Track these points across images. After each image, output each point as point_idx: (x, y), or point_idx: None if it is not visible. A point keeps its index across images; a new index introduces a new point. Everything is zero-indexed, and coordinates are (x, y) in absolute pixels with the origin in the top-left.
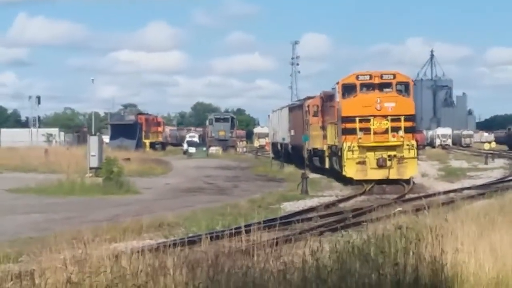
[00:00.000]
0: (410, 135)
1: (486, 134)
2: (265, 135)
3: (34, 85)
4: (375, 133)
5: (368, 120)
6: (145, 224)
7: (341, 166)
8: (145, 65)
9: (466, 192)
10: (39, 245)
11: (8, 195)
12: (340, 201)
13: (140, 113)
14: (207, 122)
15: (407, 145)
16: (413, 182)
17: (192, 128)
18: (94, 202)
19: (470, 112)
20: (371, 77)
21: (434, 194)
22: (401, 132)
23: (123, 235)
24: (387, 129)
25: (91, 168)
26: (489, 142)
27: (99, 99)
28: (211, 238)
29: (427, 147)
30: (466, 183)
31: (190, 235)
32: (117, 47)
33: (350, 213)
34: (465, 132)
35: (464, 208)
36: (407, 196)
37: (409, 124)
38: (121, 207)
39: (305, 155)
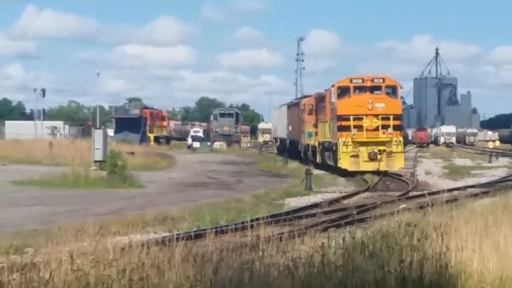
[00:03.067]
0: (398, 132)
1: (490, 132)
2: (269, 131)
3: (40, 78)
4: (367, 130)
5: (361, 119)
6: (149, 218)
7: (335, 160)
8: (152, 60)
9: (470, 190)
10: (43, 237)
11: (12, 187)
12: (344, 197)
13: (145, 107)
14: (211, 117)
15: (395, 141)
16: (417, 180)
17: (197, 123)
18: (98, 195)
19: (474, 111)
20: (363, 80)
21: (438, 192)
22: (390, 130)
23: (127, 228)
24: (377, 126)
25: (95, 161)
26: (493, 141)
27: (104, 92)
28: (215, 232)
29: (431, 145)
30: (470, 181)
31: (194, 229)
32: (125, 41)
33: (354, 209)
34: (469, 131)
35: (468, 206)
36: (411, 194)
37: (397, 122)
38: (125, 201)
39: (300, 149)
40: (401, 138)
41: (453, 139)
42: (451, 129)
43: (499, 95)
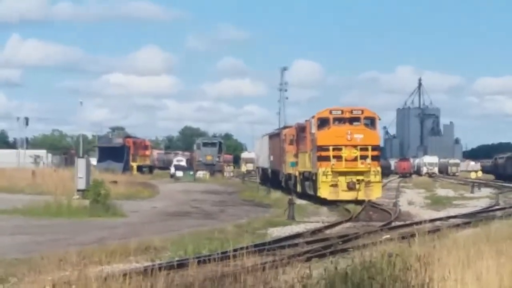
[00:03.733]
0: (376, 162)
1: (472, 163)
2: (252, 160)
3: (23, 106)
4: (346, 160)
5: (340, 149)
6: (132, 248)
7: (315, 189)
8: (136, 89)
9: (452, 220)
10: (25, 266)
11: None
12: (326, 227)
13: (128, 136)
14: (194, 147)
15: (373, 171)
16: (400, 210)
17: (180, 152)
18: (81, 225)
19: (457, 141)
20: (342, 112)
21: (421, 222)
22: (368, 160)
23: (110, 258)
24: (356, 157)
25: (78, 190)
26: (476, 171)
27: (88, 121)
28: (198, 262)
29: (414, 175)
30: (452, 211)
31: (177, 258)
32: (109, 70)
33: (337, 239)
34: (451, 161)
35: (450, 237)
36: (393, 224)
37: (375, 153)
38: (108, 230)
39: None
40: (379, 168)
41: (436, 170)
42: (434, 159)
43: (481, 125)
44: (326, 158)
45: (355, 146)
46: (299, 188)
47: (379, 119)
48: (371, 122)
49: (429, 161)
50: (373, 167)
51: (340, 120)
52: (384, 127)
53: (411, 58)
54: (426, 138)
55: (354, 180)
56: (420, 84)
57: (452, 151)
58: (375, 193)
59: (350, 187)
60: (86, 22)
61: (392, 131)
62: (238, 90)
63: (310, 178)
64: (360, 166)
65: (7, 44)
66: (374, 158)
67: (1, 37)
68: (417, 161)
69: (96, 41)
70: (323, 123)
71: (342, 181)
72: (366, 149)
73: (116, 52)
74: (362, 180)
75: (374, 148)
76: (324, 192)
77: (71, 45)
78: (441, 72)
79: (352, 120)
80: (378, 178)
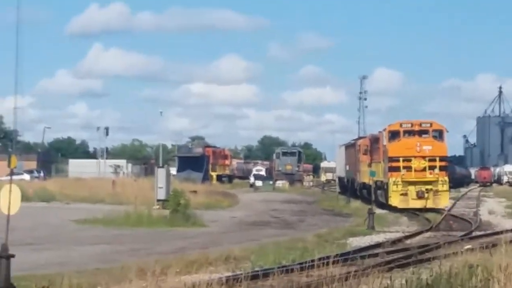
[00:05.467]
0: (443, 172)
1: None
2: (332, 170)
3: (104, 116)
4: (415, 170)
5: (410, 160)
6: (212, 257)
7: (387, 197)
8: (216, 98)
9: None
10: (106, 276)
11: (76, 226)
12: (406, 237)
13: (208, 146)
14: (274, 156)
15: (441, 180)
16: (480, 219)
17: (259, 162)
18: (161, 234)
19: None
20: (412, 125)
21: (502, 232)
22: (437, 170)
23: (190, 267)
24: (425, 167)
25: (158, 200)
26: None
27: (168, 131)
28: (281, 271)
29: (494, 184)
30: None
31: (257, 269)
32: (190, 80)
33: (418, 249)
34: None
35: None
36: (474, 233)
37: (443, 163)
38: (187, 240)
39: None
40: (446, 178)
41: None
42: None
43: None
44: (397, 169)
45: (423, 157)
46: (373, 196)
47: (447, 131)
48: (439, 134)
49: (510, 169)
50: (440, 177)
51: (410, 133)
52: (464, 136)
53: (492, 66)
54: (506, 146)
55: (423, 189)
56: (500, 92)
57: None
58: (443, 202)
59: (419, 196)
60: (167, 31)
61: (472, 139)
62: (319, 99)
63: (382, 187)
64: (429, 176)
65: (89, 54)
66: (442, 168)
67: (84, 47)
68: (497, 169)
69: (177, 50)
70: (393, 135)
71: (412, 190)
72: (434, 160)
73: (197, 61)
74: (431, 189)
75: (442, 159)
76: (395, 200)
77: (152, 54)
78: None
79: (421, 132)
80: (446, 187)
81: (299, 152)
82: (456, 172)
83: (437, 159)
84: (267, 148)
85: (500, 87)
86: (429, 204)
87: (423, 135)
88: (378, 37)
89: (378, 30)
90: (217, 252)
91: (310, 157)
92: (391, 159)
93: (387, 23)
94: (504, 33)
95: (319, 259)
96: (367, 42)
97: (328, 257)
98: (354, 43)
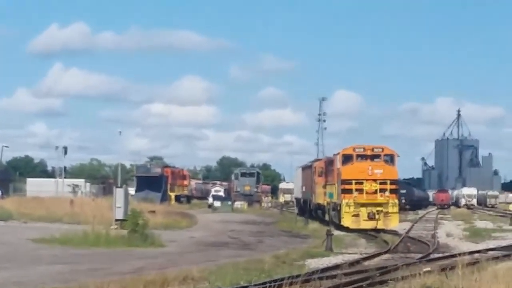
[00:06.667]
0: (394, 195)
1: (511, 195)
2: (290, 191)
3: (63, 135)
4: (367, 192)
5: (362, 183)
6: (170, 278)
7: (339, 218)
8: (176, 118)
9: (491, 253)
10: None
11: (33, 245)
12: (365, 259)
13: (166, 166)
14: (232, 177)
15: (391, 203)
16: (438, 242)
17: (218, 182)
18: (119, 254)
19: (496, 173)
20: (364, 149)
21: (459, 254)
22: (387, 193)
23: None
24: (376, 190)
25: (116, 220)
26: None
27: (126, 151)
28: None
29: (452, 207)
30: (492, 244)
31: None
32: (150, 100)
33: (375, 271)
34: (490, 193)
35: (490, 269)
36: (432, 256)
37: (393, 186)
38: (146, 260)
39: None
40: (396, 200)
41: (474, 201)
42: (472, 191)
43: None
44: (349, 191)
45: (375, 180)
46: (327, 217)
47: (398, 156)
48: (390, 158)
49: (468, 192)
50: (391, 199)
51: (362, 157)
52: (423, 158)
53: (450, 89)
54: (464, 169)
55: (374, 211)
56: (459, 115)
57: (491, 183)
58: (393, 223)
59: (370, 217)
60: (128, 52)
61: (431, 162)
62: (278, 120)
63: (335, 208)
64: (380, 198)
65: (49, 74)
66: (392, 191)
67: (44, 66)
68: (455, 192)
69: (138, 70)
70: (347, 159)
71: (363, 211)
72: (385, 183)
73: (157, 81)
74: (381, 210)
75: (392, 182)
76: (347, 221)
77: (112, 74)
78: (481, 103)
79: (373, 157)
80: (396, 209)
81: (258, 173)
82: (414, 195)
83: (388, 182)
84: (225, 169)
85: (459, 110)
86: (380, 225)
87: (375, 159)
88: (338, 60)
89: (338, 53)
90: (175, 272)
91: (268, 178)
92: (344, 182)
93: (347, 46)
94: (462, 57)
95: (275, 280)
96: (327, 64)
97: (285, 279)
98: (314, 65)
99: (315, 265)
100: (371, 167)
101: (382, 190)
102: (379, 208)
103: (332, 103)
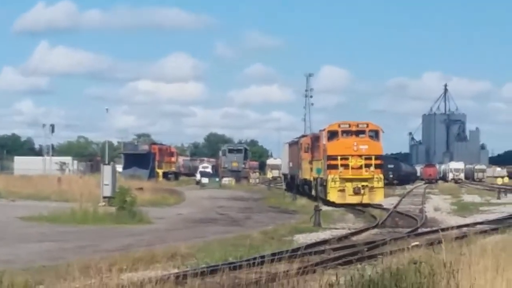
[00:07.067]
0: (379, 170)
1: (499, 169)
2: (278, 167)
3: (50, 114)
4: (352, 168)
5: (347, 158)
6: (158, 254)
7: (325, 193)
8: (163, 96)
9: (479, 227)
10: (52, 273)
11: (21, 223)
12: (353, 234)
13: (154, 143)
14: (220, 153)
15: (376, 177)
16: (426, 216)
17: (205, 159)
18: (107, 232)
19: (483, 147)
20: (349, 125)
21: (447, 229)
22: (372, 168)
23: (136, 265)
24: (361, 165)
25: (104, 197)
26: (502, 177)
27: (114, 128)
28: (228, 269)
29: (439, 181)
30: (479, 217)
31: (203, 265)
32: (137, 77)
33: (364, 246)
34: (477, 167)
35: (478, 243)
36: (419, 230)
37: (378, 162)
38: (133, 237)
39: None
40: (381, 175)
41: (462, 176)
42: (460, 165)
43: (508, 131)
44: (335, 166)
45: (360, 156)
46: (313, 192)
47: (383, 132)
48: (375, 134)
49: (455, 167)
50: (376, 174)
51: (347, 133)
52: (410, 133)
53: (437, 64)
54: (452, 144)
55: (359, 185)
56: (446, 90)
57: (478, 157)
58: (378, 197)
59: (356, 192)
60: (114, 30)
61: (418, 137)
62: (265, 97)
63: (322, 183)
64: (365, 173)
65: (35, 52)
66: (377, 166)
67: (30, 44)
68: (443, 167)
69: (125, 48)
70: (332, 135)
71: (349, 186)
72: (370, 158)
73: (144, 59)
74: (367, 185)
75: (377, 157)
76: (333, 196)
77: (99, 52)
78: (468, 78)
79: (358, 132)
80: (381, 184)
81: (245, 149)
82: (402, 170)
83: (373, 157)
84: (213, 146)
85: (446, 85)
86: (365, 200)
87: (360, 135)
88: (325, 35)
89: (325, 29)
90: (163, 249)
91: (256, 154)
92: (330, 157)
93: (334, 21)
94: (449, 31)
95: (263, 256)
96: (314, 40)
97: (274, 254)
98: (301, 41)
99: (303, 241)
100: (356, 142)
101: (367, 166)
102: (365, 183)
103: (320, 79)
